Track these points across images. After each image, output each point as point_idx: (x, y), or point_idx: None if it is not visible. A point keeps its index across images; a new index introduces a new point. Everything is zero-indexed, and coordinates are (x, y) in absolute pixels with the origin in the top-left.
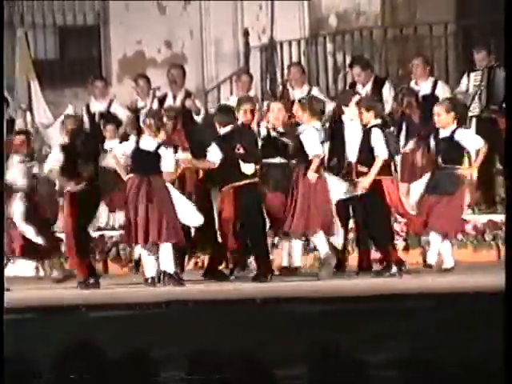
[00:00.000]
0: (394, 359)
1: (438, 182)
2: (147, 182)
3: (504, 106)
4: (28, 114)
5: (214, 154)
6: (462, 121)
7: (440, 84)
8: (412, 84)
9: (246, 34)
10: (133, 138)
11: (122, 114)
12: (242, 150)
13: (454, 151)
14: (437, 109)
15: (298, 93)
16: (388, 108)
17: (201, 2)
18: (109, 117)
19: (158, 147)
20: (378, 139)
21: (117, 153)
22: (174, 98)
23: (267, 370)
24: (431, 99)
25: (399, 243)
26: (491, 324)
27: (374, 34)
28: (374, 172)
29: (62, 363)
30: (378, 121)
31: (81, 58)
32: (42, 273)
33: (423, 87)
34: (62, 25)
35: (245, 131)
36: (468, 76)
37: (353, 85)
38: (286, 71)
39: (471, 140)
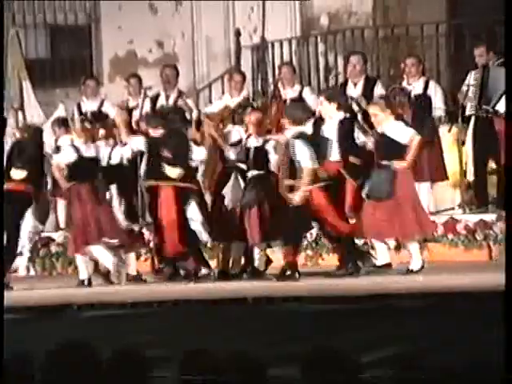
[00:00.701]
0: (388, 359)
1: (374, 185)
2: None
3: (496, 106)
4: (20, 113)
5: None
6: (399, 117)
7: (432, 83)
8: (404, 84)
9: (238, 33)
10: (68, 146)
11: (114, 113)
12: (167, 154)
13: (390, 147)
14: (372, 109)
15: (289, 92)
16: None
17: (192, 2)
18: (100, 116)
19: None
20: (300, 151)
21: (59, 162)
22: (167, 97)
23: (261, 370)
24: (423, 99)
25: (390, 243)
26: (486, 324)
27: (365, 34)
28: (304, 189)
29: (56, 363)
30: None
31: (72, 58)
32: (32, 272)
33: (415, 87)
34: (53, 24)
35: (176, 135)
36: (471, 74)
37: (344, 85)
38: (277, 71)
39: (401, 133)
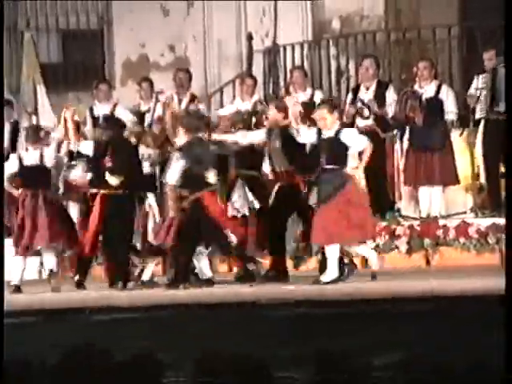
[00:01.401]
0: (394, 362)
1: (322, 189)
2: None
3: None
4: (34, 117)
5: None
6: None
7: (444, 87)
8: (416, 87)
9: (250, 37)
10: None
11: (127, 117)
12: (109, 163)
13: (338, 151)
14: (320, 112)
15: (301, 96)
16: (391, 112)
17: (204, 6)
18: (113, 120)
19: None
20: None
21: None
22: (180, 101)
23: (269, 373)
24: (435, 102)
25: (402, 247)
26: (494, 327)
27: (377, 38)
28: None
29: (67, 366)
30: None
31: (84, 62)
32: (44, 276)
33: (427, 90)
34: (65, 28)
35: (121, 144)
36: (478, 78)
37: (356, 90)
38: (288, 75)
39: (355, 140)
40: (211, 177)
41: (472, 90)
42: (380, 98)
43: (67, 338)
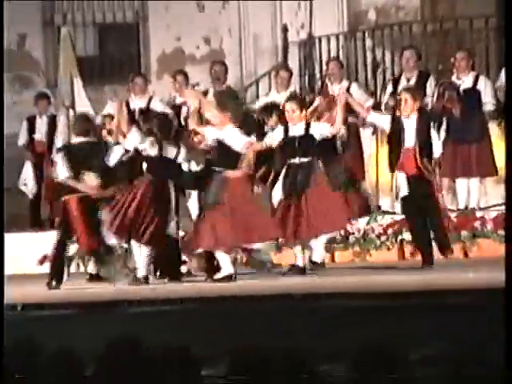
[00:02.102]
0: (433, 357)
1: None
2: None
3: None
4: (71, 111)
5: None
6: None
7: (482, 78)
8: (453, 78)
9: (285, 29)
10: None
11: (163, 110)
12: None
13: (308, 145)
14: (290, 106)
15: (336, 88)
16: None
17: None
18: (149, 114)
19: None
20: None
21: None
22: None
23: (307, 367)
24: (472, 93)
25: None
26: (501, 320)
27: (413, 29)
28: None
29: (104, 360)
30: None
31: (120, 56)
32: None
33: (465, 81)
34: (101, 22)
35: (95, 144)
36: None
37: (396, 80)
38: (324, 67)
39: (326, 131)
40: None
41: (501, 82)
42: (420, 88)
43: (106, 331)
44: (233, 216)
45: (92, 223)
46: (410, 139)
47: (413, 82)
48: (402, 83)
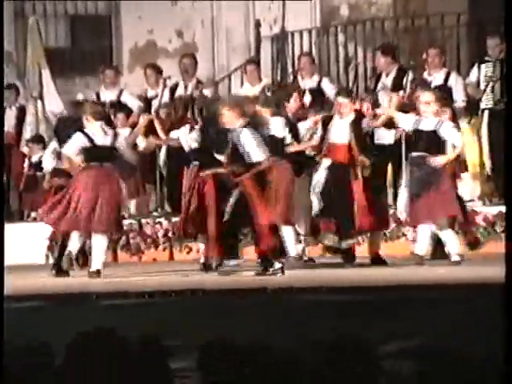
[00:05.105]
0: (397, 350)
1: None
2: None
3: None
4: (39, 102)
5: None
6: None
7: (453, 75)
8: (425, 74)
9: (258, 24)
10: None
11: (133, 103)
12: None
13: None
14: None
15: (308, 82)
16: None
17: None
18: (119, 106)
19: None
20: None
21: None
22: (186, 87)
23: (281, 359)
24: (444, 90)
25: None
26: (501, 316)
27: (385, 25)
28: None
29: (75, 353)
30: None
31: (92, 47)
32: (51, 260)
33: (436, 78)
34: (73, 13)
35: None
36: (479, 68)
37: (378, 75)
38: (296, 61)
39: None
40: None
41: (472, 79)
42: (398, 84)
43: (77, 323)
44: None
45: None
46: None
47: (391, 76)
48: (382, 78)
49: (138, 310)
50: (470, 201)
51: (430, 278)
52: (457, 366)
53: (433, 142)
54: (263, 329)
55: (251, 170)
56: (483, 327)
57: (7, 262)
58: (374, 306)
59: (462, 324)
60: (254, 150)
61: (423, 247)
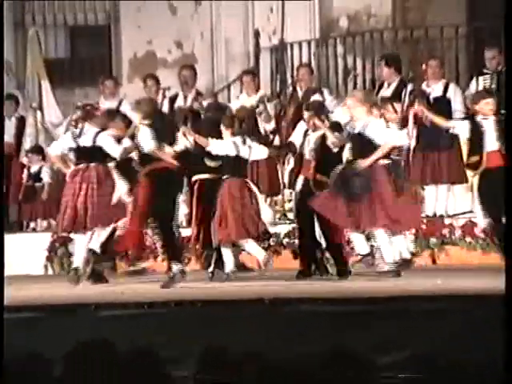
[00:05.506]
0: (397, 361)
1: None
2: None
3: None
4: (38, 112)
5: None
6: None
7: (452, 86)
8: (424, 86)
9: (257, 34)
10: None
11: (132, 113)
12: None
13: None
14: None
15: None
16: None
17: (212, 3)
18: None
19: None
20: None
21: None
22: (185, 98)
23: (276, 368)
24: (442, 101)
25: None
26: (499, 327)
27: (384, 36)
28: None
29: (73, 363)
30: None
31: (91, 58)
32: (50, 271)
33: (435, 89)
34: (72, 24)
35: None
36: (477, 79)
37: (380, 85)
38: (295, 72)
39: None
40: None
41: (471, 91)
42: (398, 95)
43: (75, 333)
44: None
45: None
46: None
47: (393, 87)
48: (384, 88)
49: (137, 321)
50: (469, 212)
51: (428, 288)
52: (456, 374)
53: (362, 144)
54: (261, 339)
55: None
56: (483, 337)
57: (7, 272)
58: (375, 316)
59: (461, 334)
60: None
61: (363, 247)
